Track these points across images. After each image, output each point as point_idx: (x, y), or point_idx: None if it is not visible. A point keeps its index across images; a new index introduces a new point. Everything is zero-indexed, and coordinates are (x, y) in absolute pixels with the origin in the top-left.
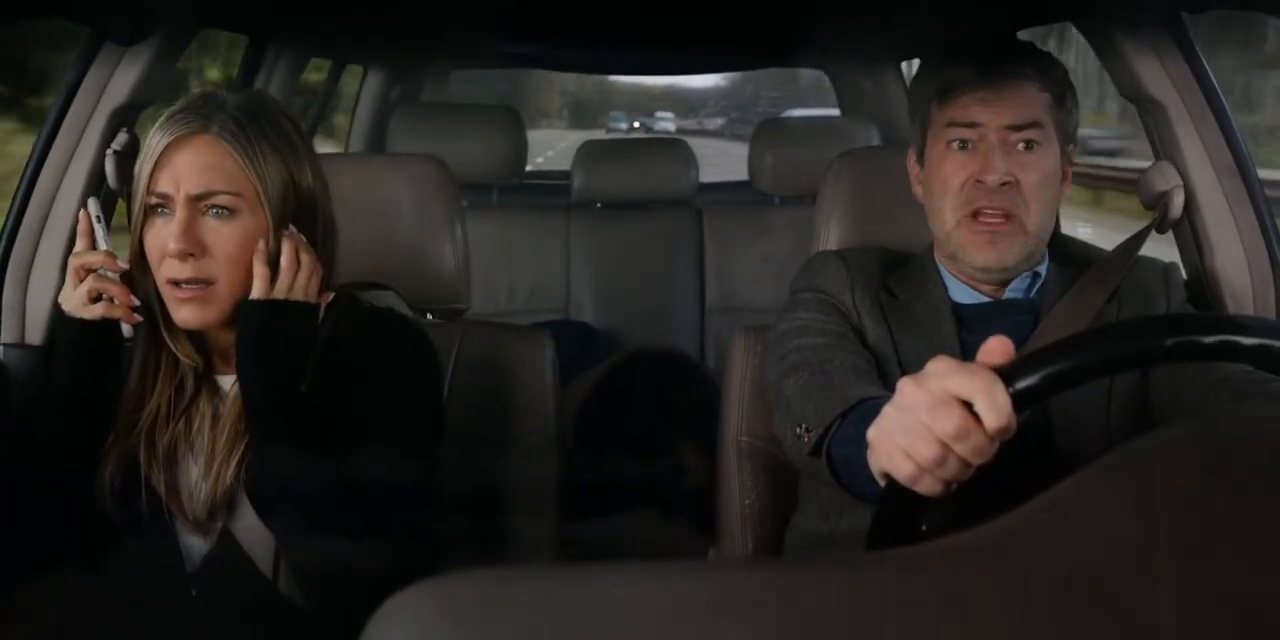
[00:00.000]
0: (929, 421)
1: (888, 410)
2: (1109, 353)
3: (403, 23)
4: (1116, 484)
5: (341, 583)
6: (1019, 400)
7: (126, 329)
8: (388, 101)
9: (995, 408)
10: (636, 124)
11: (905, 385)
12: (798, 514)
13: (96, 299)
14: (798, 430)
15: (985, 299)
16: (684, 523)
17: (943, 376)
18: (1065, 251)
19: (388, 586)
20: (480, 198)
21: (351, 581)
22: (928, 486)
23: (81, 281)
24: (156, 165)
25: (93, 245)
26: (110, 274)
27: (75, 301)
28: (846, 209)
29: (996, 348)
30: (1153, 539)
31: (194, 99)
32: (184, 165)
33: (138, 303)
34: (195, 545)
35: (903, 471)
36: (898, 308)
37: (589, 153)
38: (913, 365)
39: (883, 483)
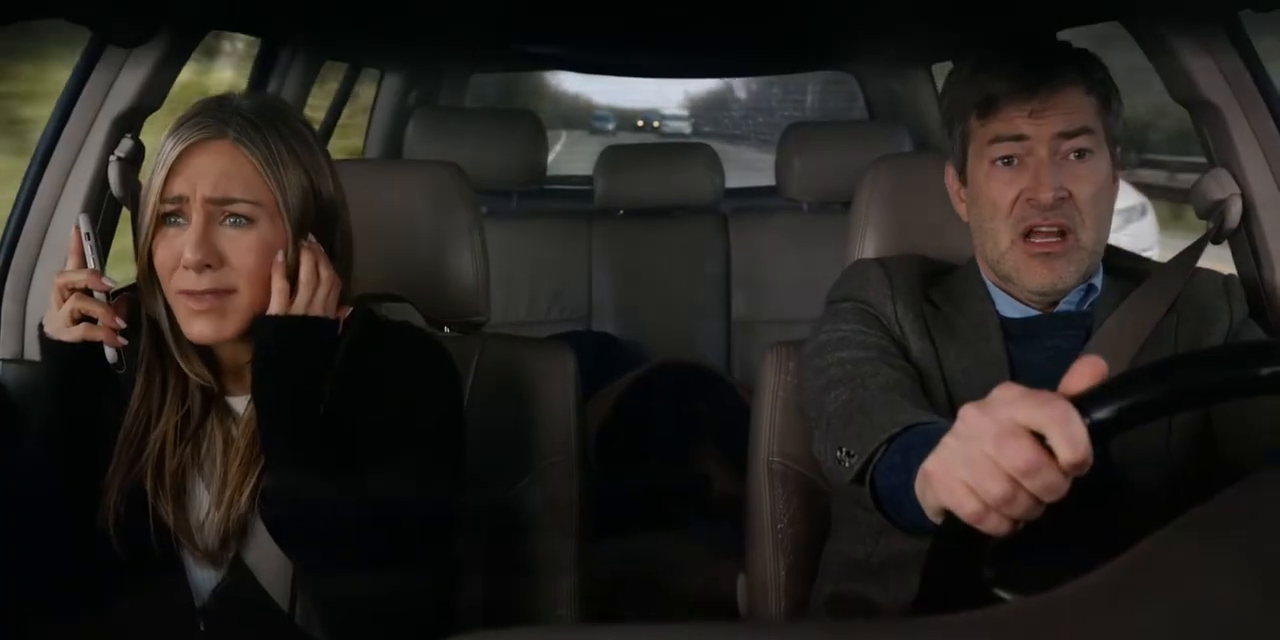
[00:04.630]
0: (996, 454)
1: (948, 440)
2: (1197, 382)
3: (420, 24)
4: (1211, 542)
5: (362, 614)
6: (1096, 432)
7: (110, 354)
8: (405, 106)
9: (1071, 441)
10: (640, 122)
11: (968, 413)
12: (833, 538)
13: (81, 321)
14: (838, 453)
15: (1034, 312)
16: (712, 547)
17: (1010, 404)
18: (1116, 263)
19: (409, 617)
20: (500, 204)
21: (372, 612)
22: (993, 526)
23: (65, 301)
24: (171, 171)
25: (83, 264)
26: (98, 294)
27: (57, 323)
28: (883, 216)
29: (1085, 371)
30: (1252, 603)
31: (208, 103)
32: (201, 170)
33: (123, 325)
34: (205, 577)
35: (966, 509)
36: (941, 320)
37: (612, 158)
38: (958, 382)
39: (938, 519)
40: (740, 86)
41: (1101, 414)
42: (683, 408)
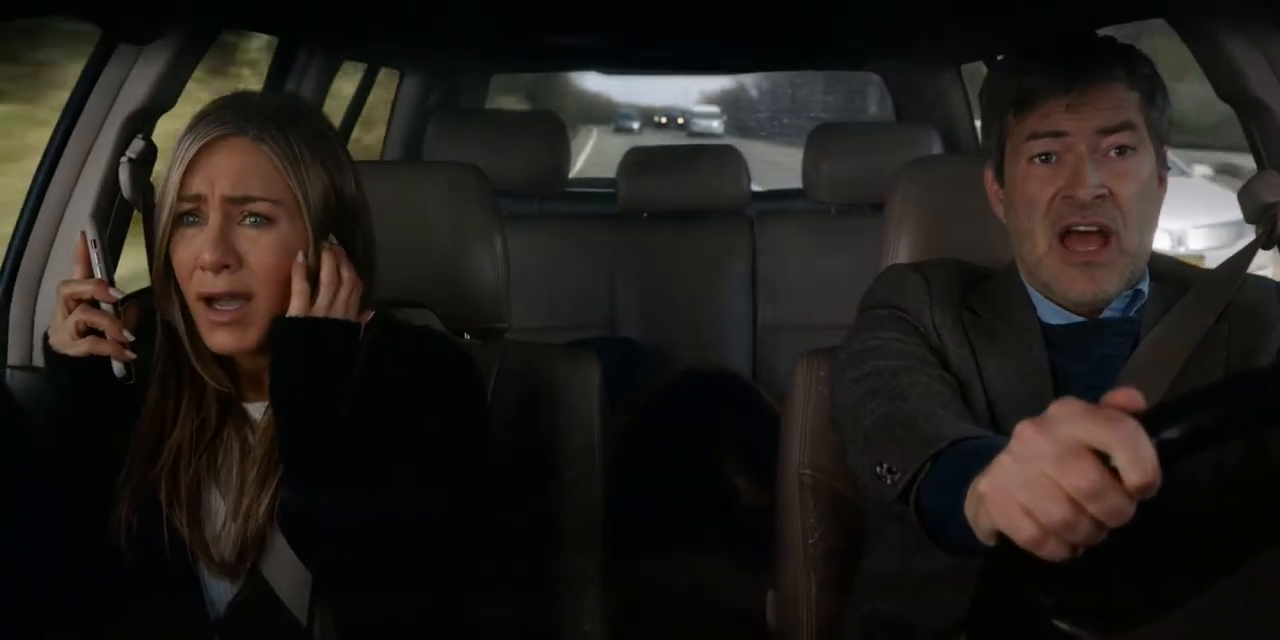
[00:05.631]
0: (1057, 475)
1: (1004, 460)
2: (1277, 401)
3: (440, 23)
4: None
5: (383, 627)
6: (1165, 453)
7: (118, 368)
8: (424, 107)
9: (1139, 462)
10: (663, 119)
11: (1025, 431)
12: (868, 554)
13: (87, 333)
14: (878, 470)
15: (1078, 319)
16: (739, 561)
17: (1072, 422)
18: (1163, 268)
19: (431, 631)
20: (520, 207)
21: (393, 625)
22: (1051, 551)
23: (71, 312)
24: (188, 169)
25: (90, 273)
26: (105, 306)
27: (63, 335)
28: (917, 220)
29: (1123, 402)
30: None
31: (226, 100)
32: (219, 168)
33: (130, 338)
34: (221, 589)
35: (1023, 533)
36: (981, 327)
37: (635, 160)
38: (999, 392)
39: (991, 543)
40: (753, 84)
41: (1171, 433)
42: (709, 416)
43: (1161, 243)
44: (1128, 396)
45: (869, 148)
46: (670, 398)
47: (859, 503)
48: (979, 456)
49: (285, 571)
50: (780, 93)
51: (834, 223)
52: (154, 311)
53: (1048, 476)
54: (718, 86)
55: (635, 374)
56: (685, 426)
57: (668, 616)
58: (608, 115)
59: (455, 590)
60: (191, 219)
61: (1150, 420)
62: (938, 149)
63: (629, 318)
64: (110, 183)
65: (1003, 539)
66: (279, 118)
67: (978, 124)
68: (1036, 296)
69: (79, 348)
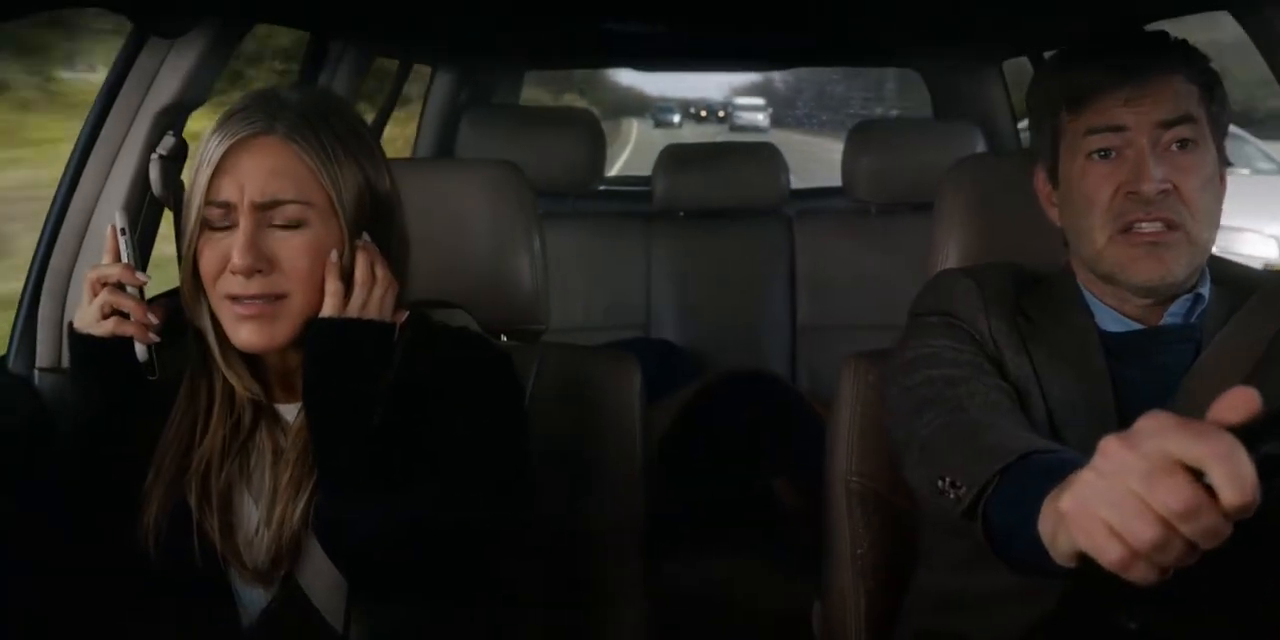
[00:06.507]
0: (1146, 493)
1: (1088, 477)
2: None
3: (473, 18)
4: None
5: (419, 635)
6: (1264, 469)
7: (140, 351)
8: (456, 103)
9: (1236, 479)
10: (702, 112)
11: (1111, 446)
12: (923, 567)
13: (112, 315)
14: (940, 483)
15: (1137, 326)
16: (782, 567)
17: (1162, 436)
18: (1224, 272)
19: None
20: (554, 205)
21: (430, 633)
22: (1141, 574)
23: (97, 296)
24: (216, 171)
25: (119, 262)
26: (131, 289)
27: (87, 317)
28: (968, 221)
29: (1238, 402)
30: None
31: (255, 96)
32: (248, 170)
33: (155, 322)
34: (253, 597)
35: (1110, 555)
36: (1037, 334)
37: (671, 157)
38: (1057, 401)
39: (1072, 564)
40: (779, 76)
41: (1273, 448)
42: (749, 420)
43: (1268, 251)
44: (1245, 396)
45: (910, 146)
46: (708, 400)
47: (911, 512)
48: (1051, 471)
49: (320, 578)
50: (804, 84)
51: (874, 222)
52: (182, 311)
53: (1136, 495)
54: (748, 80)
55: (672, 376)
56: (723, 430)
57: (711, 628)
58: (643, 109)
59: (493, 598)
60: (220, 223)
61: (1248, 434)
62: (981, 147)
63: (664, 318)
64: (141, 178)
65: (1086, 560)
66: (310, 114)
67: (1021, 125)
68: (1094, 302)
69: (103, 328)
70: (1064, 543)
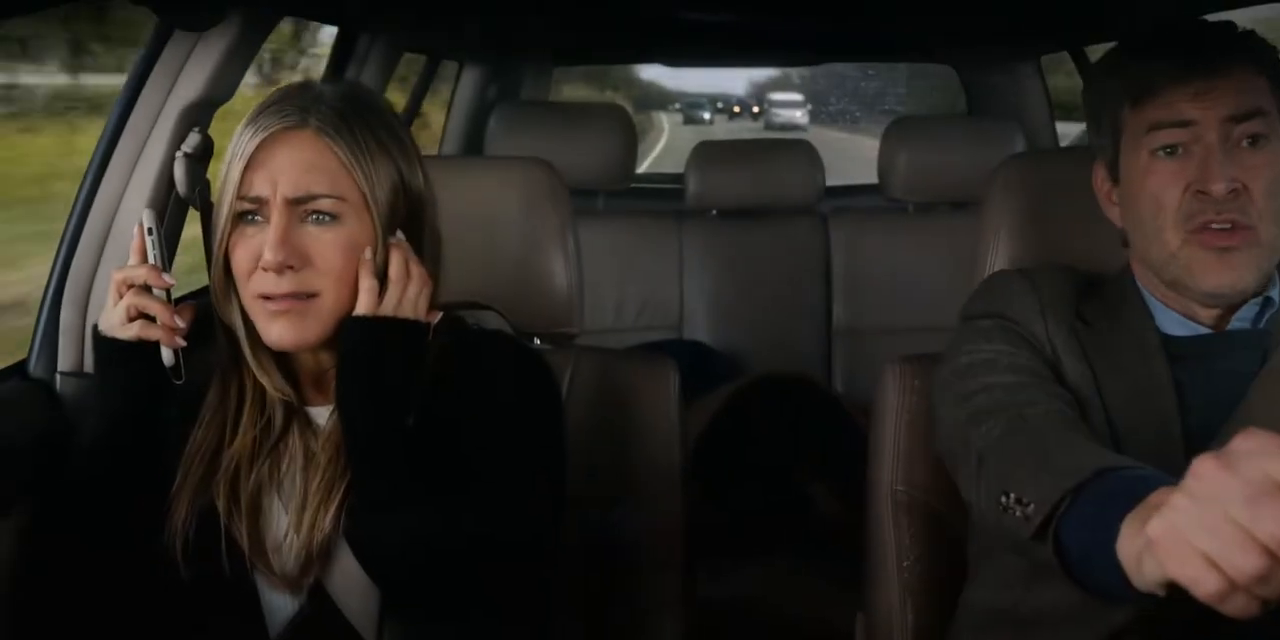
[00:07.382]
0: (1248, 521)
1: (1180, 501)
2: None
3: (503, 12)
4: None
5: None
6: None
7: (167, 355)
8: (485, 99)
9: None
10: (736, 107)
11: (1206, 467)
12: (972, 582)
13: (138, 319)
14: (1004, 499)
15: (1202, 330)
16: (823, 576)
17: (1262, 457)
18: None
19: None
20: (585, 203)
21: None
22: (1239, 608)
23: (122, 298)
24: (248, 165)
25: (145, 261)
26: (157, 292)
27: (113, 320)
28: (1019, 221)
29: None
30: None
31: (287, 90)
32: (281, 165)
33: (182, 325)
34: (281, 604)
35: (1206, 586)
36: (1096, 339)
37: (704, 155)
38: (1118, 411)
39: (1161, 593)
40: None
41: None
42: (785, 425)
43: None
44: None
45: (948, 143)
46: (743, 404)
47: (959, 525)
48: (1130, 492)
49: (352, 587)
50: (833, 79)
51: (911, 221)
52: (212, 311)
53: (1236, 521)
54: (771, 76)
55: (706, 379)
56: (759, 435)
57: (751, 636)
58: (662, 102)
59: (530, 608)
60: (252, 217)
61: None
62: (1021, 144)
63: (697, 319)
64: (166, 175)
65: (1177, 590)
66: (344, 109)
67: (1077, 126)
68: (1156, 305)
69: (129, 332)
70: (1151, 570)
